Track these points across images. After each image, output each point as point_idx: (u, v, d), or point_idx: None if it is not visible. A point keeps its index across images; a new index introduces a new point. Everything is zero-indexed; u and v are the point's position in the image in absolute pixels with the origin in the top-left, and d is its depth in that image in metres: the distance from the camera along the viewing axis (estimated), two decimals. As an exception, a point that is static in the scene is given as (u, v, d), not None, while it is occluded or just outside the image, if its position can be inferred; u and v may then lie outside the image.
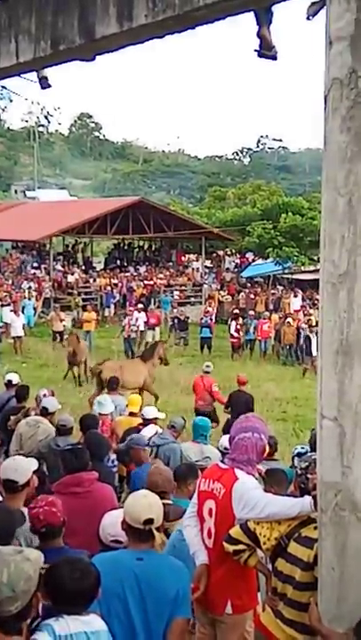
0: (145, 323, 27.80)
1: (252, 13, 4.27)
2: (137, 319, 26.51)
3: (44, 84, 5.65)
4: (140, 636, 3.77)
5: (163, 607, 3.81)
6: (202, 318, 28.34)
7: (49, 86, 5.65)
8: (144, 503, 3.97)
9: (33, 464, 5.11)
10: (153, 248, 45.31)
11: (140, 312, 27.81)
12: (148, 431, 9.29)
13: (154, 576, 3.84)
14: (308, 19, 3.95)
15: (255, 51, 4.51)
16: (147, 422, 9.65)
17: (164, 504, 5.51)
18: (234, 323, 26.97)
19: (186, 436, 10.06)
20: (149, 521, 3.89)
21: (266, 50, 4.49)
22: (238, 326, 26.79)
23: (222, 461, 4.81)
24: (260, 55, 4.52)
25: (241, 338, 26.92)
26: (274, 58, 4.53)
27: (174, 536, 5.07)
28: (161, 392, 18.44)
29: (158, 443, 8.84)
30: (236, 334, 26.67)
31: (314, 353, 25.16)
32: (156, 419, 9.77)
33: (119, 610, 3.70)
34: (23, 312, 27.54)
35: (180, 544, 4.93)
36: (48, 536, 4.38)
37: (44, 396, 10.83)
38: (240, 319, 27.37)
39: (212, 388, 15.02)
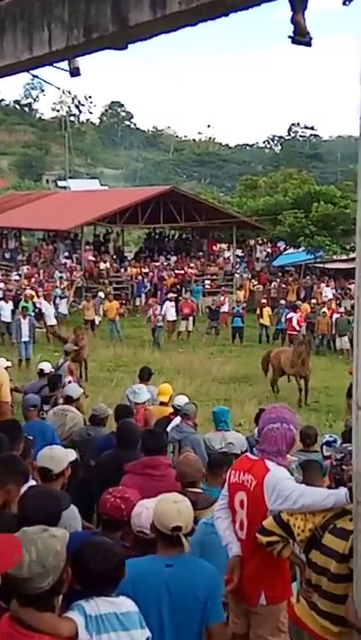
0: (178, 312, 27.86)
1: (286, -1, 4.21)
2: (162, 309, 26.42)
3: (75, 72, 5.62)
4: None
5: (193, 614, 3.80)
6: (233, 308, 28.31)
7: (79, 74, 5.62)
8: (173, 509, 3.89)
9: (70, 455, 5.14)
10: (184, 237, 45.26)
11: (171, 301, 27.86)
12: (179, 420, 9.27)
13: (184, 583, 3.81)
14: (344, 4, 3.89)
15: (289, 37, 4.43)
16: (178, 411, 9.63)
17: (193, 492, 5.54)
18: (294, 315, 26.29)
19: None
20: (177, 528, 3.84)
21: (300, 36, 4.41)
22: (299, 318, 26.32)
23: (252, 452, 4.77)
24: (295, 42, 4.45)
25: (301, 331, 26.26)
26: (308, 44, 4.45)
27: (202, 529, 5.04)
28: (193, 381, 18.47)
29: (178, 437, 8.80)
30: (298, 327, 25.96)
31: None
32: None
33: (151, 618, 3.64)
34: (55, 301, 27.69)
35: (209, 537, 4.91)
36: (107, 525, 4.49)
37: (69, 382, 11.11)
38: (300, 311, 27.04)
39: None
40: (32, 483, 4.95)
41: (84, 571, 3.28)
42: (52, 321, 25.76)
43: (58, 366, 14.49)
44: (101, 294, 29.58)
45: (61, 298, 29.01)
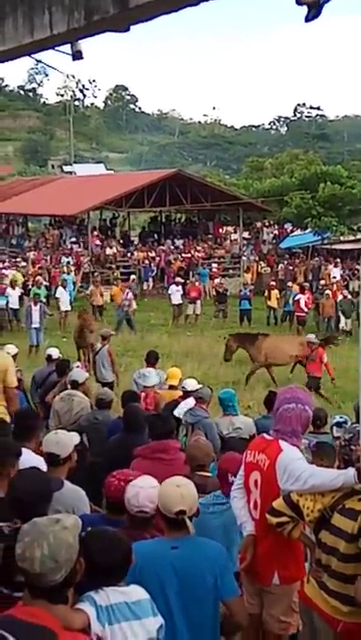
0: (185, 296, 27.80)
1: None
2: (128, 294, 25.73)
3: (77, 55, 5.59)
4: (180, 626, 3.76)
5: (202, 595, 3.80)
6: (241, 290, 28.26)
7: (81, 58, 5.58)
8: (177, 494, 3.89)
9: (75, 439, 5.14)
10: (190, 220, 45.13)
11: (177, 285, 27.79)
12: (188, 403, 9.24)
13: (190, 564, 3.81)
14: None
15: (307, 19, 4.38)
16: (187, 394, 9.61)
17: (202, 476, 5.56)
18: (302, 297, 25.78)
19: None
20: (181, 512, 3.84)
21: (314, 9, 4.36)
22: (307, 300, 25.97)
23: (268, 433, 4.78)
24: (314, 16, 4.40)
25: (309, 313, 26.20)
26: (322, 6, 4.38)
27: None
28: (201, 364, 18.47)
29: (191, 421, 8.76)
30: (306, 309, 25.75)
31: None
32: (196, 390, 9.69)
33: (158, 600, 3.56)
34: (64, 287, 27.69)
35: (202, 517, 4.93)
36: (112, 507, 4.56)
37: (77, 366, 11.45)
38: (308, 293, 26.60)
39: None
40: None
41: (89, 562, 3.09)
42: (67, 306, 25.77)
43: (96, 352, 14.70)
44: (133, 277, 29.98)
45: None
